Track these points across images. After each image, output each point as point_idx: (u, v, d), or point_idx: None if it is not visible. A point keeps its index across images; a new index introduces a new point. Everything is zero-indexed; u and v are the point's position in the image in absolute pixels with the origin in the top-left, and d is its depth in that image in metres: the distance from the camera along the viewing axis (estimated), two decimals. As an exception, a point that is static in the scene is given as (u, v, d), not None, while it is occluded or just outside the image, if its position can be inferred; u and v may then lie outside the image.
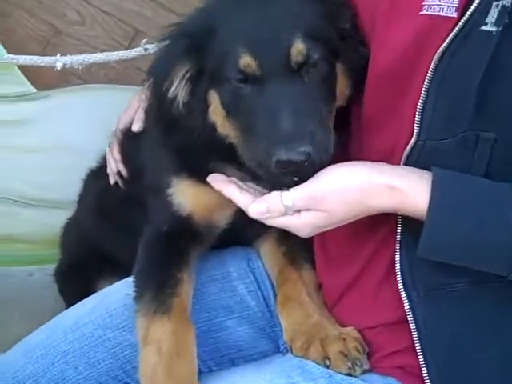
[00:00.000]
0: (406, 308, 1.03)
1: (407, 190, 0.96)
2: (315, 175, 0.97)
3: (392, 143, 1.03)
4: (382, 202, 0.97)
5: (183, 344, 1.10)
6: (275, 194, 0.99)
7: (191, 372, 1.09)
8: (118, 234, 1.51)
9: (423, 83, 0.96)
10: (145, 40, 1.51)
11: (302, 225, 1.00)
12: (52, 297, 1.75)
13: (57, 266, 1.76)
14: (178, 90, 1.08)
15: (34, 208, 2.06)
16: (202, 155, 1.14)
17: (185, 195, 1.19)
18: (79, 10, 1.91)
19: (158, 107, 1.14)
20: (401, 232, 1.03)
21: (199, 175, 1.16)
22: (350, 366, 1.05)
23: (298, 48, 0.99)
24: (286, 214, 0.99)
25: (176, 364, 1.08)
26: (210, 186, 1.14)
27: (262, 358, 1.23)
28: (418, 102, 0.97)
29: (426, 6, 0.97)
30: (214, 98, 1.08)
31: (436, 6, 0.96)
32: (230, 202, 1.10)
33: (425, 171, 0.98)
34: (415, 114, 0.98)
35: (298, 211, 0.98)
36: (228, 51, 1.02)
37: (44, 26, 1.92)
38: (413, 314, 1.02)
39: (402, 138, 1.00)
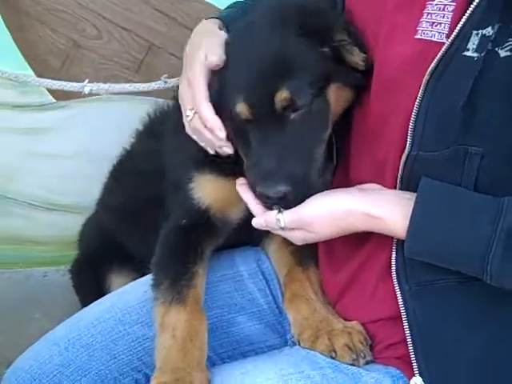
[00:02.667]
0: (399, 302, 1.08)
1: (384, 217, 1.05)
2: (306, 201, 1.09)
3: (387, 154, 1.11)
4: (361, 227, 1.08)
5: (196, 331, 1.16)
6: (272, 214, 1.12)
7: (201, 356, 1.15)
8: (135, 230, 1.58)
9: (415, 100, 1.03)
10: (165, 75, 1.63)
11: (295, 238, 1.14)
12: (67, 297, 1.80)
13: (72, 263, 1.80)
14: None
15: (52, 212, 2.10)
16: (221, 158, 1.23)
17: (205, 189, 1.27)
18: (97, 25, 1.96)
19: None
20: None
21: (219, 171, 1.26)
22: (355, 357, 1.11)
23: (282, 96, 1.08)
24: (281, 229, 1.12)
25: (188, 348, 1.14)
26: (227, 180, 1.24)
27: (270, 351, 1.28)
28: (411, 116, 1.04)
29: (420, 32, 1.06)
30: None
31: (429, 32, 1.05)
32: None
33: (405, 194, 1.06)
34: (408, 127, 1.05)
35: (292, 228, 1.11)
36: (230, 93, 1.13)
37: (64, 39, 1.96)
38: (405, 307, 1.07)
39: (397, 150, 1.08)
